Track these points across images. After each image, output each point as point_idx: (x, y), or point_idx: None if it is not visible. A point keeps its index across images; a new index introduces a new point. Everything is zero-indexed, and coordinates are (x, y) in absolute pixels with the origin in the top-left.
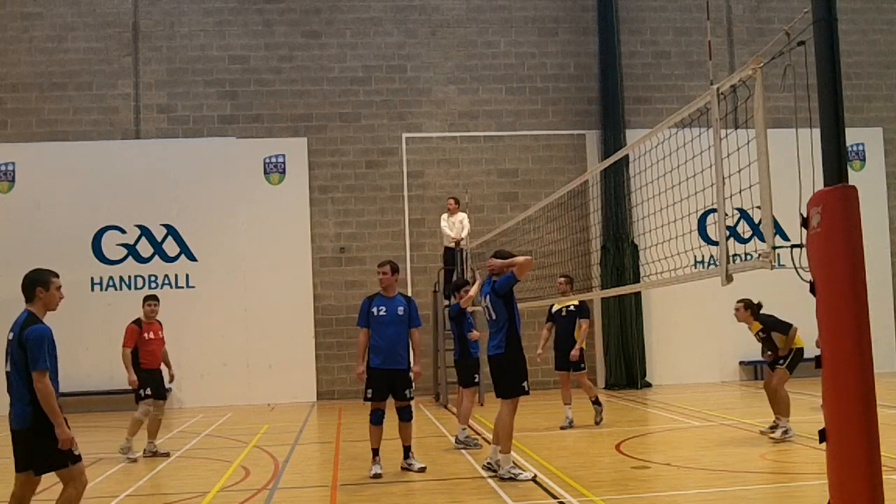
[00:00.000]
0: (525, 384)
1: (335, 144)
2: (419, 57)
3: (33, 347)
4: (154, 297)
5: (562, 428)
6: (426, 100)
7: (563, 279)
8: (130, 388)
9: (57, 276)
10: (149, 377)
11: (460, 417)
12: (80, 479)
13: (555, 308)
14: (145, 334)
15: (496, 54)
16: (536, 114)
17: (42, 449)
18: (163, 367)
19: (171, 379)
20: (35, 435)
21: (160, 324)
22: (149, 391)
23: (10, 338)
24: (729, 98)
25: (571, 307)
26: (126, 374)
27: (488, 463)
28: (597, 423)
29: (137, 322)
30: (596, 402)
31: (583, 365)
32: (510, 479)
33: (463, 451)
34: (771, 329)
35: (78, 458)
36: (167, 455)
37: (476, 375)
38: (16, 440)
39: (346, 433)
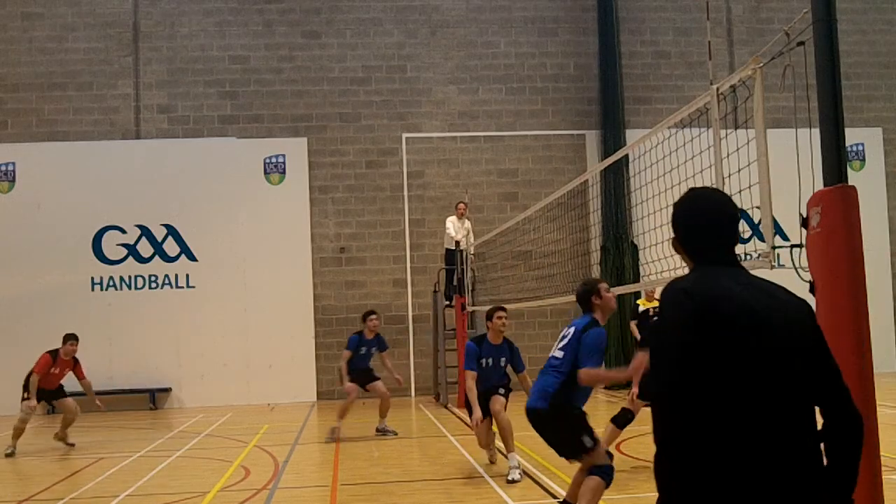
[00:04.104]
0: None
1: (335, 144)
2: (419, 57)
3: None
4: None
5: None
6: (426, 100)
7: None
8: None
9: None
10: None
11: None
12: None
13: None
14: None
15: (496, 54)
16: (536, 114)
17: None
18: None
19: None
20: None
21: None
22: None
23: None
24: (729, 98)
25: None
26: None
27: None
28: None
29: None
30: None
31: None
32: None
33: (463, 451)
34: None
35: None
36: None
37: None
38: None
39: (346, 433)
